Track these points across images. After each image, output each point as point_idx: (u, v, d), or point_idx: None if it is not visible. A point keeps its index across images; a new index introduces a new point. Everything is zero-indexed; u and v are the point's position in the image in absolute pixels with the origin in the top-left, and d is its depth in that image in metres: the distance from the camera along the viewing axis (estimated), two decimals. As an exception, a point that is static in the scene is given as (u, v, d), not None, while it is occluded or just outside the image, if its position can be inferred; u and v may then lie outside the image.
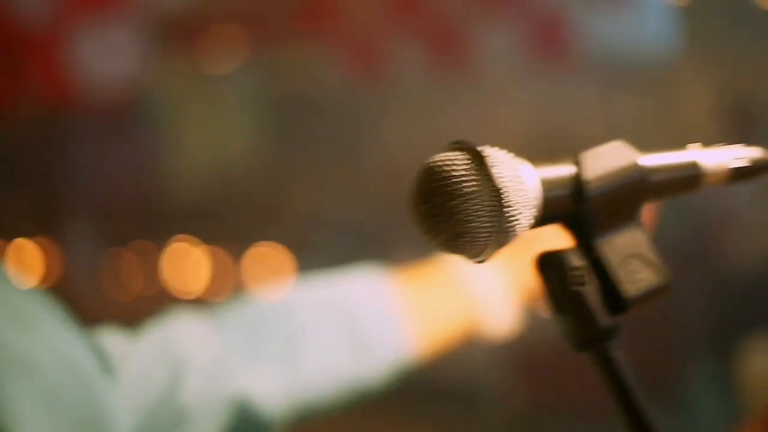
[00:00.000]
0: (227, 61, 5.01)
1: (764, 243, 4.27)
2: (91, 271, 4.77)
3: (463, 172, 0.76)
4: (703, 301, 4.08)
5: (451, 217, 0.76)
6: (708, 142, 0.90)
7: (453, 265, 1.41)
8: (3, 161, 4.75)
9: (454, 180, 0.75)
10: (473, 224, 0.76)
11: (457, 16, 4.56)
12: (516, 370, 4.48)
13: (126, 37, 4.54)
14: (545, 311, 0.85)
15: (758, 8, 4.15)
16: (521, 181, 0.78)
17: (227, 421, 1.22)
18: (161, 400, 1.17)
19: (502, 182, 0.76)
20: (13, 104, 4.65)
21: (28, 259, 4.43)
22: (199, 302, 4.57)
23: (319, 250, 4.70)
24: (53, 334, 1.04)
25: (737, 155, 0.91)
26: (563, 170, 0.82)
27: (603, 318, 0.83)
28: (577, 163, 0.82)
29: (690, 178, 0.88)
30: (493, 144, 0.79)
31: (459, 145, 0.77)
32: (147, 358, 1.20)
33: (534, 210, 0.79)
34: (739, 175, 0.91)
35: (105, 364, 1.12)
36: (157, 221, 5.04)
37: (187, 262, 4.93)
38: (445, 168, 0.76)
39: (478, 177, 0.76)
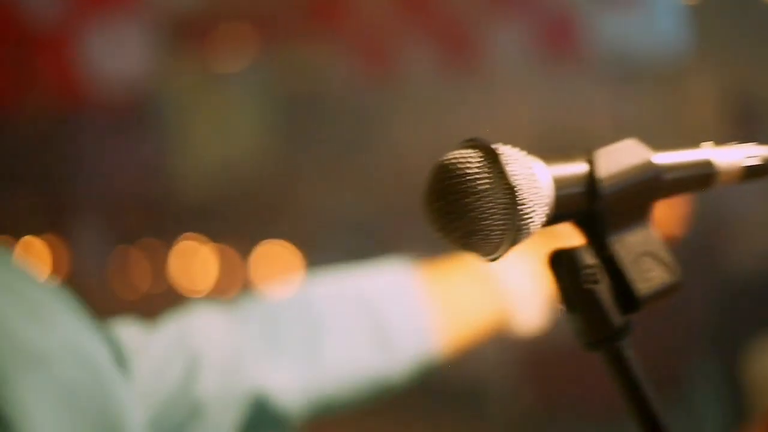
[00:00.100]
0: (236, 60, 5.01)
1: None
2: (99, 269, 4.77)
3: (477, 170, 0.75)
4: (708, 301, 4.08)
5: (465, 215, 0.75)
6: (717, 140, 0.90)
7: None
8: (12, 159, 4.75)
9: (468, 177, 0.75)
10: (487, 222, 0.76)
11: (466, 16, 4.56)
12: (523, 369, 4.48)
13: (135, 36, 4.54)
14: (559, 309, 0.85)
15: (768, 7, 4.15)
16: (535, 178, 0.77)
17: (243, 416, 1.21)
18: (176, 393, 1.17)
19: (516, 180, 0.76)
20: (23, 102, 4.66)
21: (36, 257, 4.44)
22: (207, 300, 4.58)
23: (327, 248, 4.70)
24: (67, 327, 1.03)
25: (749, 154, 0.90)
26: (576, 168, 0.82)
27: (615, 316, 0.83)
28: (590, 161, 0.82)
29: (703, 176, 0.88)
30: (503, 143, 0.78)
31: (473, 143, 0.77)
32: (162, 351, 1.19)
33: (546, 208, 0.79)
34: (751, 173, 0.90)
35: (119, 357, 1.12)
36: (165, 219, 5.05)
37: (195, 260, 4.93)
38: (459, 165, 0.76)
39: (492, 174, 0.76)
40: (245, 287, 4.66)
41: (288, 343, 1.27)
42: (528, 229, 0.77)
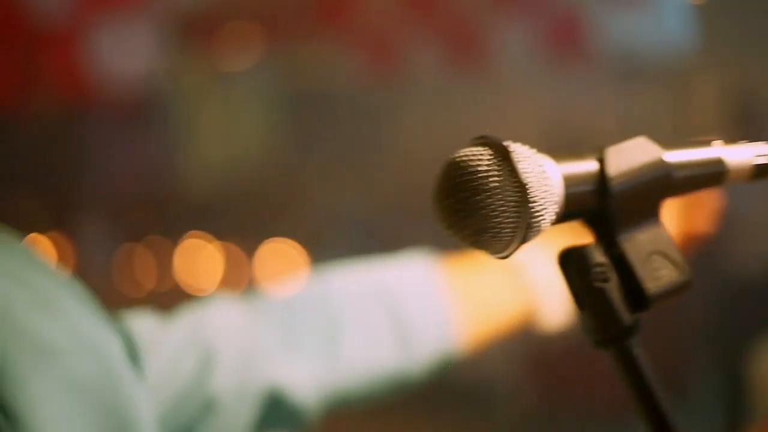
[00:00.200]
0: (243, 59, 5.01)
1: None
2: (105, 266, 4.77)
3: (488, 167, 0.75)
4: (712, 302, 4.08)
5: (476, 213, 0.75)
6: (725, 139, 0.90)
7: None
8: (18, 156, 4.76)
9: (479, 175, 0.75)
10: (497, 219, 0.75)
11: (473, 15, 4.56)
12: (527, 368, 4.47)
13: (141, 34, 4.55)
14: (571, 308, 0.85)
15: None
16: (546, 176, 0.77)
17: (258, 412, 1.19)
18: (189, 388, 1.15)
19: (528, 177, 0.75)
20: (30, 100, 4.66)
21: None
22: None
23: (333, 246, 4.70)
24: (78, 320, 1.02)
25: (759, 152, 0.90)
26: (586, 166, 0.81)
27: (625, 315, 0.83)
28: (600, 159, 0.82)
29: (714, 174, 0.88)
30: (510, 141, 0.78)
31: (483, 140, 0.77)
32: (176, 344, 1.17)
33: (556, 206, 0.79)
34: (761, 171, 0.90)
35: (131, 351, 1.11)
36: (170, 217, 5.05)
37: (200, 258, 4.93)
38: (470, 163, 0.75)
39: (503, 172, 0.75)
40: (250, 285, 4.66)
41: (305, 337, 1.24)
42: (539, 226, 0.77)
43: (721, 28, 4.31)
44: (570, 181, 0.79)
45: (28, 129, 4.82)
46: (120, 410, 0.99)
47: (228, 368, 1.18)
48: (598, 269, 0.82)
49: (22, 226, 1.09)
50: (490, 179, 0.75)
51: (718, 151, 0.88)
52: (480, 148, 0.76)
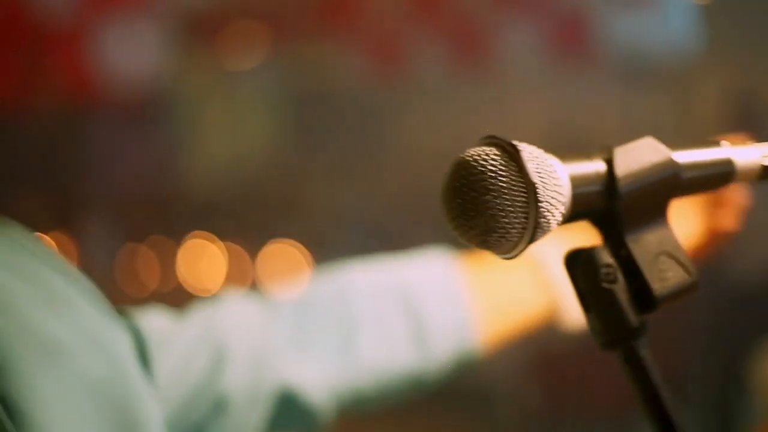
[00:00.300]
0: (247, 58, 5.01)
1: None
2: (108, 266, 4.77)
3: (497, 167, 0.75)
4: (715, 304, 4.08)
5: (484, 212, 0.75)
6: (729, 139, 0.90)
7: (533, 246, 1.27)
8: (22, 156, 4.76)
9: (488, 175, 0.75)
10: (505, 220, 0.75)
11: (478, 15, 4.56)
12: (530, 368, 4.47)
13: (146, 34, 4.55)
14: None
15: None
16: (555, 176, 0.77)
17: (270, 412, 1.18)
18: (200, 387, 1.14)
19: (536, 177, 0.75)
20: (34, 99, 4.66)
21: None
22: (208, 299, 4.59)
23: (336, 247, 4.70)
24: (87, 318, 1.00)
25: (767, 152, 0.90)
26: (594, 166, 0.81)
27: (632, 316, 0.83)
28: (608, 160, 0.81)
29: (722, 174, 0.88)
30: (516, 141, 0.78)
31: (492, 140, 0.77)
32: (188, 342, 1.15)
33: (564, 206, 0.78)
34: (769, 172, 0.90)
35: (142, 349, 1.10)
36: (174, 217, 5.05)
37: (203, 259, 4.93)
38: (479, 162, 0.75)
39: (511, 172, 0.75)
40: (253, 286, 4.66)
41: (319, 336, 1.22)
42: (546, 227, 0.77)
43: (727, 29, 4.31)
44: (578, 182, 0.79)
45: (31, 128, 4.82)
46: (128, 409, 0.98)
47: (240, 367, 1.16)
48: (605, 270, 0.82)
49: (26, 225, 1.08)
50: (499, 179, 0.75)
51: (727, 151, 0.88)
52: (488, 148, 0.76)
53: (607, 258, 0.82)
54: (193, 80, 5.14)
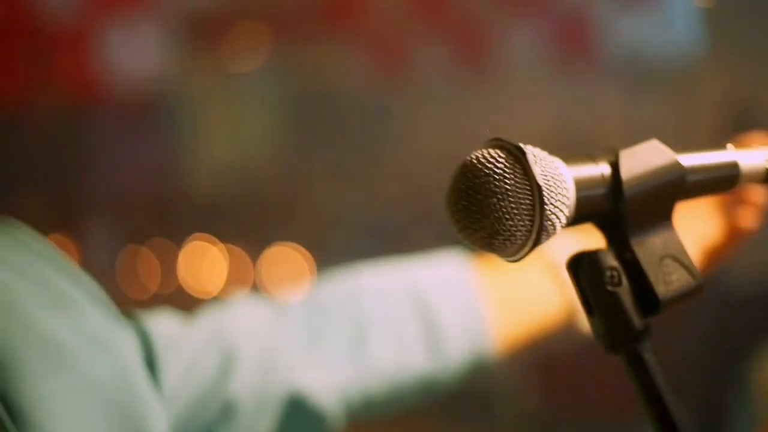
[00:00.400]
0: (250, 60, 5.01)
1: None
2: (108, 268, 4.77)
3: (503, 170, 0.75)
4: (717, 306, 4.08)
5: (490, 215, 0.75)
6: (730, 143, 0.90)
7: (546, 247, 1.23)
8: (23, 156, 4.76)
9: (493, 177, 0.75)
10: (511, 222, 0.75)
11: (480, 17, 4.56)
12: (531, 370, 4.47)
13: (149, 35, 4.55)
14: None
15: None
16: (560, 179, 0.77)
17: (278, 417, 1.16)
18: (208, 391, 1.13)
19: (542, 180, 0.75)
20: (36, 100, 4.66)
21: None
22: (217, 302, 4.58)
23: (338, 250, 4.69)
24: (92, 320, 1.00)
25: (772, 156, 0.90)
26: (599, 169, 0.81)
27: (636, 319, 0.83)
28: (613, 162, 0.82)
29: (727, 178, 0.88)
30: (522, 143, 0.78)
31: (498, 142, 0.77)
32: (196, 346, 1.14)
33: (569, 209, 0.78)
34: (774, 176, 0.90)
35: (149, 353, 1.09)
36: (175, 219, 5.05)
37: (204, 261, 4.93)
38: (485, 165, 0.75)
39: (517, 174, 0.75)
40: (255, 289, 4.65)
41: (330, 340, 1.21)
42: (552, 230, 0.77)
43: (729, 32, 4.31)
44: (582, 184, 0.79)
45: (33, 129, 4.82)
46: (132, 412, 0.98)
47: (249, 370, 1.15)
48: (610, 273, 0.82)
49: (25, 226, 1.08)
50: (504, 181, 0.75)
51: (732, 154, 0.88)
52: (494, 150, 0.76)
53: (611, 261, 0.82)
54: (195, 82, 5.14)
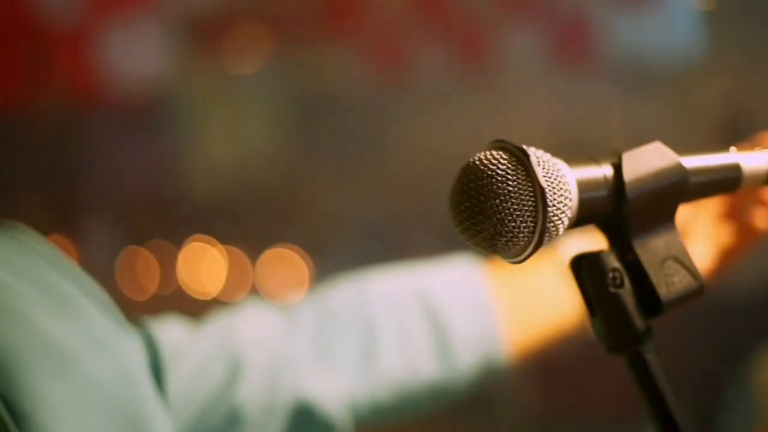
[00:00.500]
0: (251, 62, 5.01)
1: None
2: (108, 269, 4.77)
3: (506, 171, 0.76)
4: (718, 306, 4.08)
5: (492, 216, 0.75)
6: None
7: (561, 249, 1.24)
8: (23, 157, 4.76)
9: (496, 179, 0.75)
10: (513, 224, 0.76)
11: (481, 19, 4.56)
12: (531, 371, 4.47)
13: (150, 36, 4.55)
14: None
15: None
16: (563, 181, 0.78)
17: (286, 425, 1.16)
18: (215, 398, 1.12)
19: (545, 182, 0.76)
20: (36, 100, 4.66)
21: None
22: (216, 302, 4.58)
23: (338, 252, 4.69)
24: (96, 325, 1.00)
25: (775, 158, 0.90)
26: (601, 171, 0.82)
27: (638, 320, 0.83)
28: (616, 164, 0.82)
29: (730, 179, 0.88)
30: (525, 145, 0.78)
31: (501, 144, 0.77)
32: (204, 353, 1.14)
33: (571, 210, 0.79)
34: (776, 177, 0.90)
35: (156, 360, 1.09)
36: (174, 220, 5.04)
37: (203, 262, 4.93)
38: (489, 166, 0.76)
39: (520, 176, 0.76)
40: (253, 290, 4.66)
41: (339, 347, 1.20)
42: (554, 231, 0.77)
43: (729, 35, 4.31)
44: (585, 186, 0.80)
45: (32, 129, 4.82)
46: (135, 418, 0.97)
47: (256, 378, 1.15)
48: (612, 275, 0.82)
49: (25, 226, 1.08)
50: (507, 183, 0.75)
51: (734, 156, 0.88)
52: (497, 152, 0.76)
53: (613, 262, 0.83)
54: (195, 83, 5.13)
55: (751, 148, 0.89)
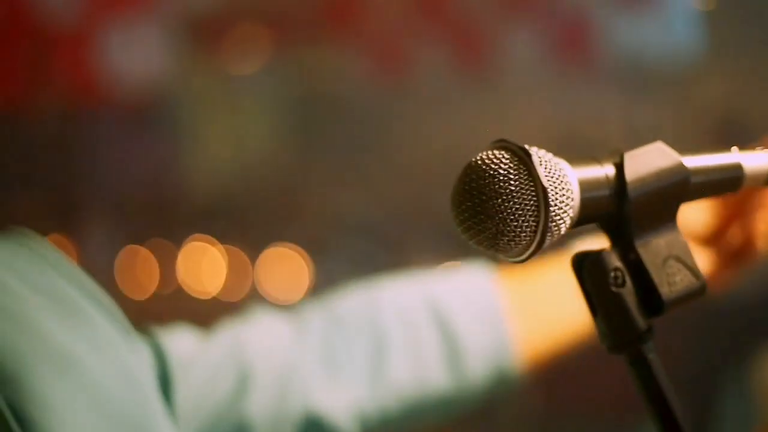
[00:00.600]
0: (250, 62, 5.01)
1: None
2: (107, 268, 4.77)
3: (508, 171, 0.76)
4: (718, 305, 4.07)
5: (494, 216, 0.75)
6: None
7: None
8: (22, 157, 4.76)
9: (499, 178, 0.75)
10: (515, 223, 0.76)
11: (481, 19, 4.56)
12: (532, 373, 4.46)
13: (150, 36, 4.55)
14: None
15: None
16: (565, 180, 0.78)
17: None
18: (223, 410, 1.11)
19: (547, 181, 0.76)
20: (36, 100, 4.66)
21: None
22: (215, 302, 4.57)
23: (337, 251, 4.69)
24: (102, 331, 0.99)
25: (775, 158, 0.91)
26: (603, 170, 0.82)
27: (640, 320, 0.83)
28: (618, 164, 0.82)
29: (731, 179, 0.88)
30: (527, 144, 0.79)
31: (503, 144, 0.77)
32: (213, 363, 1.13)
33: (573, 210, 0.79)
34: (777, 177, 0.91)
35: (164, 370, 1.09)
36: (174, 220, 5.04)
37: (203, 261, 4.93)
38: (491, 166, 0.76)
39: (522, 176, 0.76)
40: (253, 290, 4.66)
41: (348, 358, 1.19)
42: (556, 231, 0.77)
43: (730, 35, 4.31)
44: (587, 186, 0.80)
45: (32, 129, 4.82)
46: (141, 427, 0.97)
47: (265, 390, 1.14)
48: (614, 274, 0.82)
49: (24, 227, 1.08)
50: (509, 183, 0.75)
51: (736, 156, 0.88)
52: (499, 152, 0.77)
53: (615, 261, 0.83)
54: (195, 83, 5.13)
55: (753, 148, 0.89)
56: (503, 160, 0.75)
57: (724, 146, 0.89)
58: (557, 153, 0.80)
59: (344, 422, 1.18)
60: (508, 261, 0.79)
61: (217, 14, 4.80)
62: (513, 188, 0.74)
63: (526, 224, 0.75)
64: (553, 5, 4.59)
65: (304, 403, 1.16)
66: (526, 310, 1.28)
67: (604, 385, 3.75)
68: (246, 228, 4.95)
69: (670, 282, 0.83)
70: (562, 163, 0.78)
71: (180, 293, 4.75)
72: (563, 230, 0.77)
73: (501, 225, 0.74)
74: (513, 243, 0.76)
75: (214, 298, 4.63)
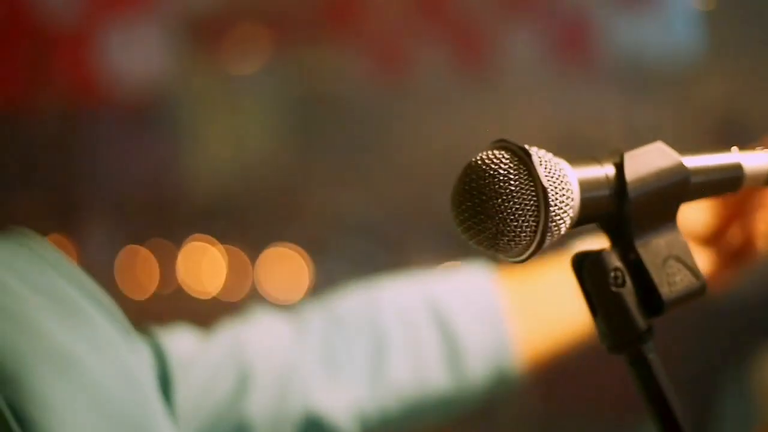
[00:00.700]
0: (250, 62, 5.01)
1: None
2: (107, 268, 4.77)
3: (509, 171, 0.76)
4: (718, 305, 4.07)
5: (494, 216, 0.76)
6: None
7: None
8: (22, 157, 4.76)
9: (499, 178, 0.75)
10: (515, 223, 0.76)
11: (481, 19, 4.57)
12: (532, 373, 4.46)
13: (150, 35, 4.55)
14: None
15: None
16: (565, 180, 0.78)
17: None
18: (223, 410, 1.11)
19: (547, 181, 0.76)
20: (36, 100, 4.66)
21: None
22: (215, 302, 4.57)
23: (337, 251, 4.69)
24: (103, 334, 0.99)
25: (775, 158, 0.91)
26: (603, 170, 0.82)
27: (640, 320, 0.83)
28: (618, 164, 0.82)
29: (731, 179, 0.88)
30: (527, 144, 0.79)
31: (503, 144, 0.77)
32: (213, 363, 1.13)
33: (573, 210, 0.79)
34: (777, 177, 0.91)
35: (164, 370, 1.09)
36: (174, 219, 5.04)
37: (203, 261, 4.93)
38: (491, 166, 0.76)
39: (523, 176, 0.76)
40: (254, 290, 4.66)
41: (348, 357, 1.19)
42: (558, 231, 0.78)
43: (730, 35, 4.31)
44: (587, 186, 0.80)
45: (32, 129, 4.82)
46: (140, 427, 0.97)
47: (265, 390, 1.14)
48: (614, 274, 0.82)
49: (24, 227, 1.08)
50: (509, 183, 0.75)
51: (736, 156, 0.88)
52: (499, 152, 0.77)
53: (615, 261, 0.83)
54: (195, 83, 5.14)
55: (753, 148, 0.89)
56: (503, 160, 0.75)
57: (724, 146, 0.89)
58: (557, 153, 0.80)
59: (344, 422, 1.18)
60: (508, 261, 0.79)
61: (217, 14, 4.80)
62: (513, 188, 0.74)
63: (526, 224, 0.75)
64: (553, 5, 4.59)
65: (304, 403, 1.16)
66: (526, 310, 1.28)
67: (604, 385, 3.75)
68: (246, 228, 4.95)
69: (670, 282, 0.83)
70: (562, 163, 0.78)
71: (180, 293, 4.75)
72: (563, 230, 0.78)
73: (501, 225, 0.75)
74: (513, 243, 0.76)
75: (214, 298, 4.63)
